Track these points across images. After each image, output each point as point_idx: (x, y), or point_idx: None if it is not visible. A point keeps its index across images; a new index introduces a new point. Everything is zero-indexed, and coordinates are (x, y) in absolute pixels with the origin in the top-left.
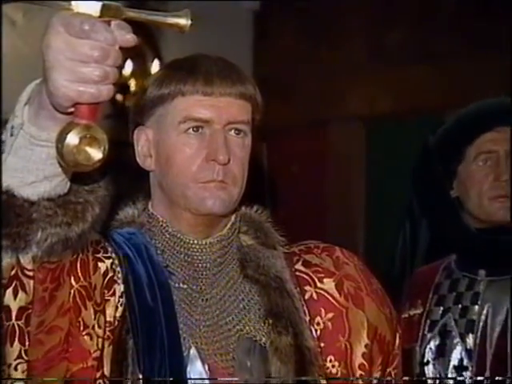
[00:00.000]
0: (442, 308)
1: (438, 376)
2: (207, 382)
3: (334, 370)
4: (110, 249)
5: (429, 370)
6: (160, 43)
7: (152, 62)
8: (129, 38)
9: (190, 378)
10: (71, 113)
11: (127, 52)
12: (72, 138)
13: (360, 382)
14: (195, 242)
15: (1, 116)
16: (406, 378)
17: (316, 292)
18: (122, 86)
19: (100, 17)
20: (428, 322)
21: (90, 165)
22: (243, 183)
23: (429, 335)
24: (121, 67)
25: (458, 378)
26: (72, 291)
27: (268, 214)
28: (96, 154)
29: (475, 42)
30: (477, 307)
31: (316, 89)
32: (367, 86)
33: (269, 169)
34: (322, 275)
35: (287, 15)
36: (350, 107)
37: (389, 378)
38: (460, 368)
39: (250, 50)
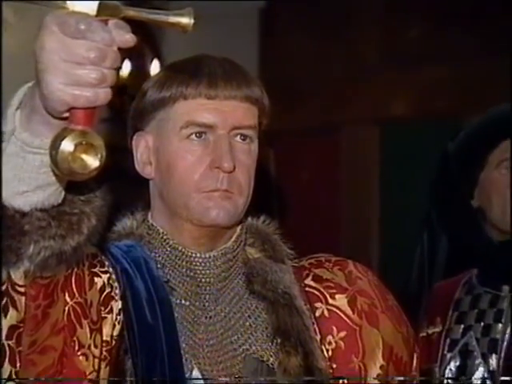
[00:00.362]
0: (462, 326)
1: None
2: None
3: None
4: (107, 263)
5: None
6: (160, 43)
7: (151, 62)
8: (127, 38)
9: (189, 378)
10: (66, 118)
11: (125, 51)
12: (67, 145)
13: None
14: (198, 255)
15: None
16: None
17: (327, 309)
18: (119, 87)
19: (97, 16)
20: (448, 341)
21: (85, 173)
22: (249, 192)
23: (449, 355)
24: (118, 68)
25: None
26: (66, 308)
27: (276, 225)
28: (92, 161)
29: (495, 42)
30: (500, 325)
31: (327, 91)
32: (382, 87)
33: (277, 177)
34: (334, 291)
35: (295, 12)
36: (363, 111)
37: None
38: None
39: (255, 50)
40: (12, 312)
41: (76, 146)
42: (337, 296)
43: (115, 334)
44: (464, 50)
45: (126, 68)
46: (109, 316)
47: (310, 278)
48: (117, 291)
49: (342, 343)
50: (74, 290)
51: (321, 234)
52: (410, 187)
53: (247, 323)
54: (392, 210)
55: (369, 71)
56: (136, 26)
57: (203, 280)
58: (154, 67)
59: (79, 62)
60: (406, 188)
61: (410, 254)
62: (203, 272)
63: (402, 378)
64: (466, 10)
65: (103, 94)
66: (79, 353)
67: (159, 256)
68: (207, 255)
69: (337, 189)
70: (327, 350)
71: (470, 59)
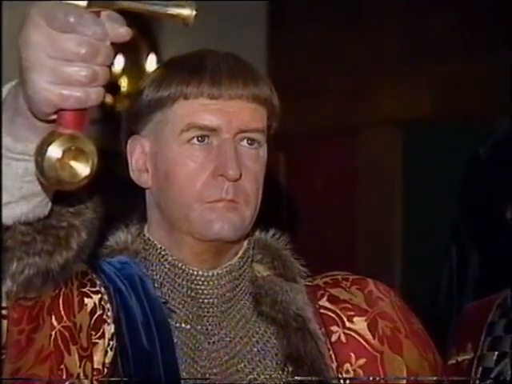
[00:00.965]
0: (496, 353)
1: None
2: None
3: None
4: (98, 282)
5: None
6: (158, 36)
7: (147, 57)
8: (122, 32)
9: (184, 378)
10: (53, 121)
11: (118, 46)
12: (54, 151)
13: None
14: (200, 273)
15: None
16: None
17: (344, 333)
18: (111, 85)
19: (88, 7)
20: (480, 369)
21: (75, 182)
22: (257, 203)
23: None
24: (111, 65)
25: None
26: (53, 333)
27: (287, 239)
28: (82, 169)
29: None
30: None
31: (343, 90)
32: (404, 85)
33: (287, 185)
34: (352, 313)
35: (307, 3)
36: (384, 111)
37: None
38: None
39: (263, 45)
40: None
41: (64, 151)
42: (355, 319)
43: (107, 361)
44: (498, 43)
45: (119, 64)
46: (100, 341)
47: (326, 298)
48: (109, 313)
49: (360, 372)
50: (62, 312)
51: (337, 248)
52: (437, 195)
53: (255, 349)
54: (416, 222)
55: (390, 67)
56: (131, 17)
57: (206, 301)
58: (151, 63)
59: (68, 58)
60: (431, 196)
61: (437, 271)
62: (206, 292)
63: None
64: (495, 1)
65: (95, 94)
66: (67, 383)
67: (157, 274)
68: (210, 273)
69: (354, 198)
70: (344, 380)
71: (500, 55)
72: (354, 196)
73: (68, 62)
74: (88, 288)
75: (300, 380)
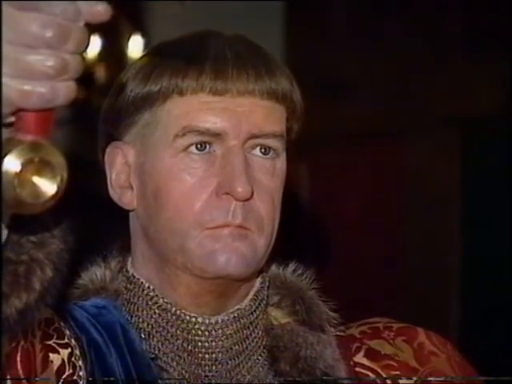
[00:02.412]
0: None
1: None
2: None
3: None
4: (67, 332)
5: None
6: (145, 13)
7: (129, 38)
8: (99, 10)
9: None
10: (11, 124)
11: (94, 26)
12: (11, 163)
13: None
14: (199, 320)
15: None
16: None
17: None
18: (85, 76)
19: None
20: None
21: (38, 204)
22: (274, 229)
23: None
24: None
25: None
26: None
27: (312, 275)
28: (48, 187)
29: None
30: None
31: (384, 84)
32: (461, 79)
33: (312, 205)
34: (397, 372)
35: None
36: (437, 109)
37: None
38: None
39: (280, 29)
40: None
41: (24, 164)
42: (402, 381)
43: None
44: None
45: (94, 48)
46: None
47: (363, 353)
48: (82, 373)
49: None
50: (20, 371)
51: (377, 287)
52: (502, 208)
53: None
54: (478, 244)
55: (444, 58)
56: None
57: (207, 356)
58: (135, 47)
59: (30, 43)
60: (496, 210)
61: (508, 310)
62: (207, 345)
63: None
64: None
65: (64, 90)
66: None
67: (143, 321)
68: (213, 320)
69: (399, 219)
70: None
71: None
72: (399, 217)
73: (30, 49)
74: (54, 340)
75: None
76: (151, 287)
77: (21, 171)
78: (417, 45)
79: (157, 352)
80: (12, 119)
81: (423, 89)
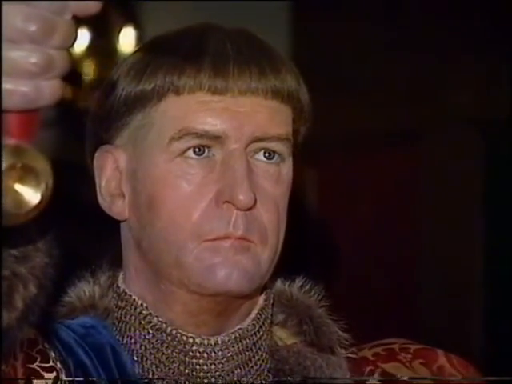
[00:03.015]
0: None
1: None
2: None
3: None
4: (53, 354)
5: None
6: (138, 4)
7: (120, 31)
8: (87, 2)
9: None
10: None
11: (82, 19)
12: None
13: None
14: (197, 341)
15: None
16: None
17: None
18: (71, 73)
19: None
20: None
21: (21, 214)
22: (279, 241)
23: None
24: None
25: None
26: None
27: (321, 291)
28: (31, 195)
29: None
30: None
31: (399, 81)
32: (484, 79)
33: (321, 214)
34: None
35: None
36: (456, 108)
37: None
38: None
39: (287, 22)
40: None
41: (6, 170)
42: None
43: None
44: None
45: (82, 43)
46: None
47: (377, 376)
48: None
49: None
50: None
51: (392, 304)
52: None
53: None
54: (505, 254)
55: (464, 52)
56: None
57: (206, 380)
58: (126, 41)
59: (12, 38)
60: None
61: None
62: (206, 368)
63: None
64: None
65: (49, 89)
66: None
67: (136, 342)
68: (212, 341)
69: (417, 231)
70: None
71: None
72: (417, 230)
73: (12, 44)
74: (38, 363)
75: None
76: (144, 305)
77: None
78: (438, 41)
79: (150, 375)
80: None
81: (443, 88)
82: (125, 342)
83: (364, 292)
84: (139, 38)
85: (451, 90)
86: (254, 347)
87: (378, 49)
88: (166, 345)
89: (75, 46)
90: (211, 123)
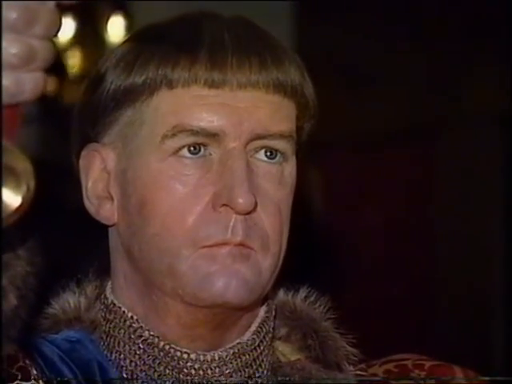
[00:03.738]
0: None
1: None
2: None
3: None
4: (34, 371)
5: None
6: None
7: (107, 20)
8: None
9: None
10: None
11: (67, 7)
12: None
13: None
14: (192, 357)
15: None
16: None
17: None
18: (56, 64)
19: None
20: None
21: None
22: (281, 247)
23: None
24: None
25: None
26: None
27: (327, 302)
28: (11, 198)
29: None
30: None
31: (412, 77)
32: (499, 75)
33: (327, 217)
34: None
35: None
36: (474, 104)
37: None
38: None
39: (290, 11)
40: None
41: None
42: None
43: None
44: None
45: (67, 32)
46: None
47: None
48: None
49: None
50: None
51: (404, 316)
52: None
53: None
54: None
55: (483, 48)
56: None
57: None
58: (115, 31)
59: None
60: None
61: None
62: None
63: None
64: None
65: (31, 82)
66: None
67: (125, 358)
68: (209, 357)
69: (429, 233)
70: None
71: None
72: (430, 232)
73: None
74: (18, 382)
75: None
76: (134, 317)
77: None
78: (436, 34)
79: None
80: None
81: (455, 83)
82: (113, 357)
83: (374, 303)
84: (129, 28)
85: (469, 87)
86: (254, 363)
87: (391, 44)
88: (158, 361)
89: (59, 35)
90: (207, 119)
